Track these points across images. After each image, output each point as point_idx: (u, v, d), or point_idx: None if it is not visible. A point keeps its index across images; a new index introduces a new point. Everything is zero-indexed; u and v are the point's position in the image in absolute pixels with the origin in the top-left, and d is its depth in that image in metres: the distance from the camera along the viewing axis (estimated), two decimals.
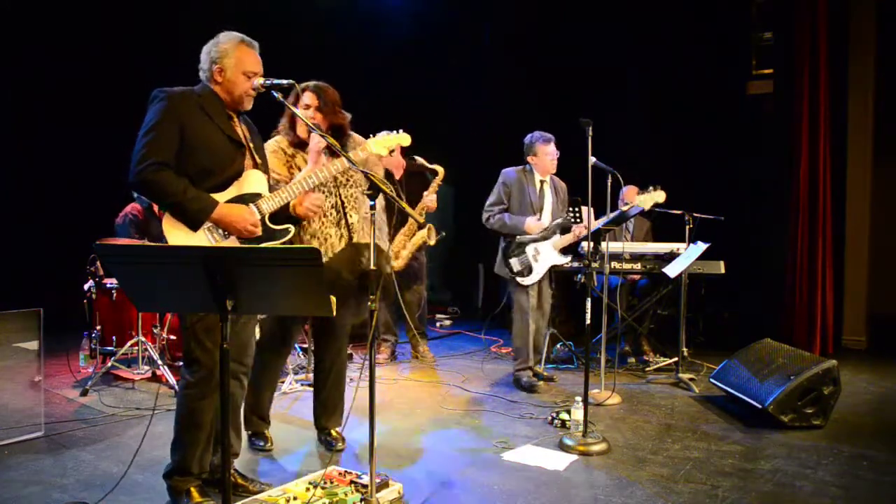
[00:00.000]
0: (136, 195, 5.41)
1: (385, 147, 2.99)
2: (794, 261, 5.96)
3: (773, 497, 2.87)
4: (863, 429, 3.84)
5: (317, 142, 2.99)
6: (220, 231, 2.59)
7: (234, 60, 2.59)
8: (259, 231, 2.64)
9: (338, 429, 3.49)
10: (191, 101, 2.56)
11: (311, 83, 3.19)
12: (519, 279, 4.60)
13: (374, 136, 3.05)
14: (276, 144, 3.23)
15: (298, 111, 2.94)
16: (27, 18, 6.27)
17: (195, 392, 2.59)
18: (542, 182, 4.66)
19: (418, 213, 5.09)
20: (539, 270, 4.58)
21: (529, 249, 4.60)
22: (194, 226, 2.52)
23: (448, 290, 8.99)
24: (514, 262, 4.60)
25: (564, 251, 4.63)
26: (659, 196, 4.39)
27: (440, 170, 5.19)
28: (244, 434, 3.22)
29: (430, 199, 5.16)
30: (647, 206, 4.43)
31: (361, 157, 2.97)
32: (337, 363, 3.47)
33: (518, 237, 4.60)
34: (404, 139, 3.04)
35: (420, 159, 5.25)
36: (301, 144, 3.25)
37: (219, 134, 2.59)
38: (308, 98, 3.17)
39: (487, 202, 4.70)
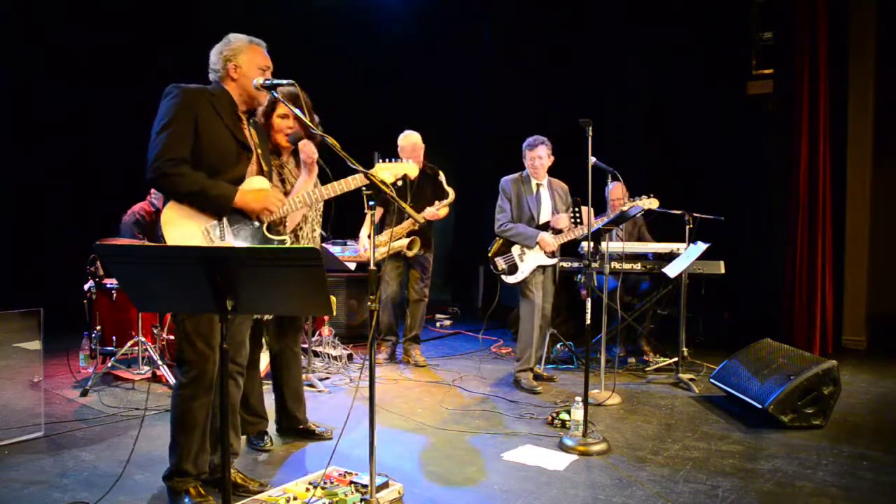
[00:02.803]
0: (150, 197, 5.44)
1: (392, 174, 3.00)
2: (794, 261, 5.96)
3: (773, 497, 2.87)
4: (863, 429, 3.84)
5: (310, 153, 3.06)
6: (218, 232, 2.60)
7: (248, 56, 2.67)
8: (280, 212, 2.77)
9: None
10: (204, 98, 2.59)
11: (287, 90, 2.99)
12: (504, 277, 4.63)
13: (381, 161, 3.06)
14: None
15: (298, 113, 2.89)
16: (28, 17, 6.27)
17: (187, 392, 2.59)
18: (538, 185, 4.66)
19: (421, 217, 5.06)
20: (524, 269, 4.58)
21: (515, 249, 4.62)
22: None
23: (448, 290, 8.99)
24: (500, 261, 4.64)
25: (553, 252, 4.59)
26: (652, 203, 4.47)
27: (452, 194, 5.22)
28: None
29: (435, 210, 5.14)
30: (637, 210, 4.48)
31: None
32: (296, 352, 3.58)
33: (508, 238, 4.61)
34: (412, 169, 3.09)
35: (442, 176, 5.29)
36: (274, 151, 3.27)
37: (227, 133, 2.62)
38: (286, 107, 3.11)
39: (496, 212, 4.73)
